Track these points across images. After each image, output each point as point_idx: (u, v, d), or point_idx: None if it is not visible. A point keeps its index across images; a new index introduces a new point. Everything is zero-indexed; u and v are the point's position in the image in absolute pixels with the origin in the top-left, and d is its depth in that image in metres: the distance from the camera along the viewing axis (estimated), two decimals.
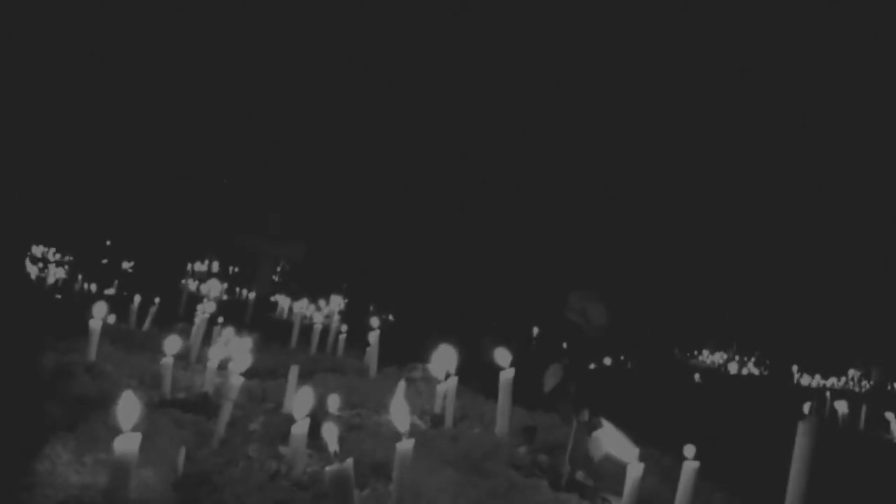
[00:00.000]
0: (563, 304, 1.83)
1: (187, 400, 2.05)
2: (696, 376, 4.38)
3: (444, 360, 2.66)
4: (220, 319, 3.60)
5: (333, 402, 2.45)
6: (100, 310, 2.47)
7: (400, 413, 1.29)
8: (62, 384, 1.84)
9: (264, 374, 2.82)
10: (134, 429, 1.15)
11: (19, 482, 1.10)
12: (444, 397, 2.44)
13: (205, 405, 2.03)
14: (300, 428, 1.49)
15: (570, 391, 1.70)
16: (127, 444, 1.13)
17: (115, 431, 1.40)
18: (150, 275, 5.97)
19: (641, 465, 1.54)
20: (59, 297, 6.89)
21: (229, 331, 3.43)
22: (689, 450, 1.61)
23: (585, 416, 1.73)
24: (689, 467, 1.59)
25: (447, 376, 2.44)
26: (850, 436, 4.44)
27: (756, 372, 9.68)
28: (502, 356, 1.95)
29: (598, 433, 1.67)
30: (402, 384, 2.81)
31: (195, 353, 2.91)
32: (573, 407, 1.71)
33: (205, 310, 3.27)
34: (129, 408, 1.17)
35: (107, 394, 1.96)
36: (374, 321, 3.16)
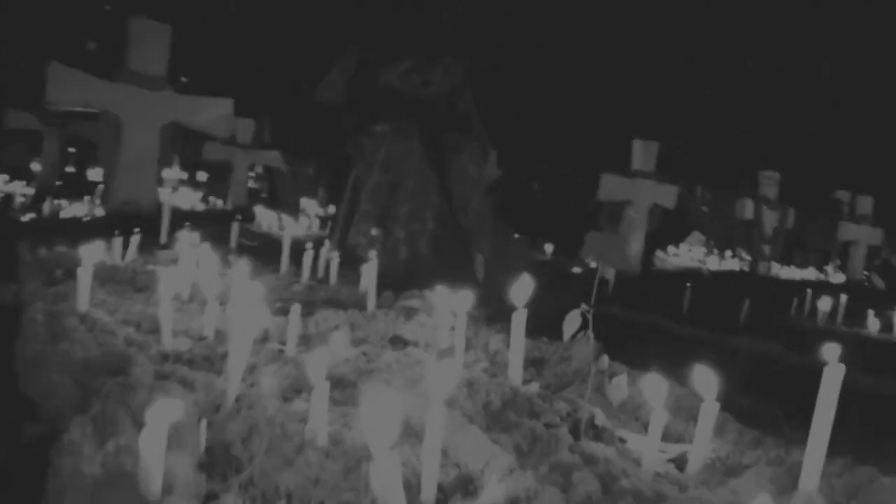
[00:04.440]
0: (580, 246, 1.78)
1: (193, 353, 1.99)
2: (688, 284, 4.43)
3: (448, 293, 2.64)
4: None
5: (341, 341, 2.43)
6: (89, 255, 2.36)
7: (438, 380, 1.26)
8: (62, 347, 1.77)
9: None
10: (161, 422, 1.10)
11: (45, 483, 1.05)
12: (452, 331, 2.43)
13: (211, 357, 1.98)
14: (321, 393, 1.45)
15: (589, 336, 1.67)
16: (154, 437, 1.07)
17: (132, 412, 1.35)
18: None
19: (666, 413, 1.54)
20: (29, 218, 6.68)
21: (216, 260, 3.33)
22: (710, 387, 1.60)
23: (605, 362, 1.71)
24: (710, 408, 1.60)
25: (453, 313, 2.41)
26: (831, 333, 4.59)
27: (736, 268, 9.87)
28: (519, 294, 1.90)
29: (617, 379, 1.66)
30: (402, 318, 2.80)
31: (187, 289, 2.82)
32: (591, 353, 1.69)
33: (190, 240, 3.16)
34: (160, 406, 1.11)
35: (108, 350, 1.91)
36: (371, 253, 3.09)
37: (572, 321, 1.66)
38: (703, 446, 1.61)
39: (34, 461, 1.18)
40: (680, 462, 1.62)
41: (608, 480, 1.32)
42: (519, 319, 1.91)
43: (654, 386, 1.56)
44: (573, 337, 1.67)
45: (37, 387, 1.51)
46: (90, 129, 9.60)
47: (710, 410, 1.61)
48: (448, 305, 2.53)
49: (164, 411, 1.08)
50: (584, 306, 1.67)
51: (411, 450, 1.40)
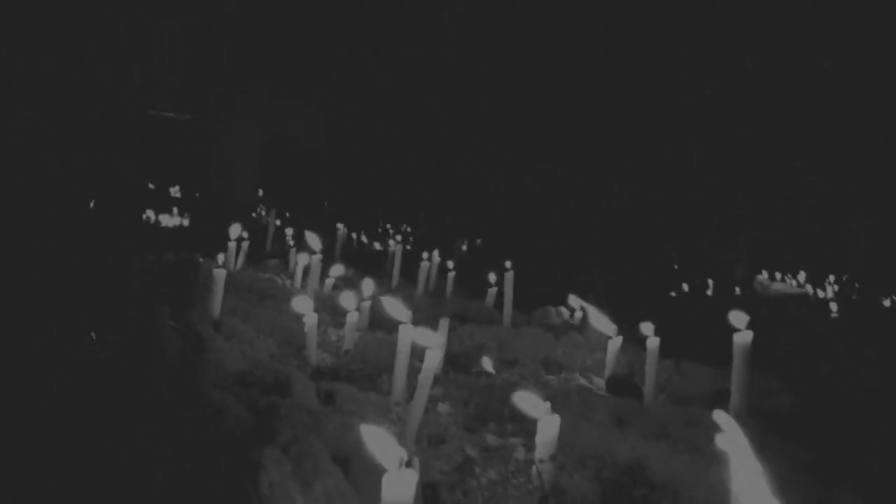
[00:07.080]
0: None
1: (350, 369, 1.73)
2: (833, 307, 3.99)
3: (604, 314, 2.30)
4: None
5: (488, 363, 2.13)
6: (222, 257, 2.15)
7: (735, 435, 0.94)
8: (209, 358, 1.53)
9: (391, 326, 2.49)
10: (398, 464, 0.82)
11: None
12: (617, 354, 2.10)
13: (366, 373, 1.72)
14: (549, 429, 1.15)
15: None
16: (401, 487, 0.79)
17: (329, 442, 1.09)
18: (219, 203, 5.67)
19: None
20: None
21: (338, 269, 3.11)
22: None
23: None
24: None
25: (620, 332, 2.09)
26: None
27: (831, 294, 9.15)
28: (737, 317, 1.58)
29: None
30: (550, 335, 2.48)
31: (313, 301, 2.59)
32: None
33: (314, 247, 2.91)
34: (384, 441, 0.84)
35: (256, 363, 1.67)
36: (507, 263, 2.79)
37: None
38: None
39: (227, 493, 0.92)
40: None
41: None
42: (743, 341, 1.58)
43: None
44: None
45: (196, 404, 1.27)
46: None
47: None
48: (609, 326, 2.20)
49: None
50: None
51: None
